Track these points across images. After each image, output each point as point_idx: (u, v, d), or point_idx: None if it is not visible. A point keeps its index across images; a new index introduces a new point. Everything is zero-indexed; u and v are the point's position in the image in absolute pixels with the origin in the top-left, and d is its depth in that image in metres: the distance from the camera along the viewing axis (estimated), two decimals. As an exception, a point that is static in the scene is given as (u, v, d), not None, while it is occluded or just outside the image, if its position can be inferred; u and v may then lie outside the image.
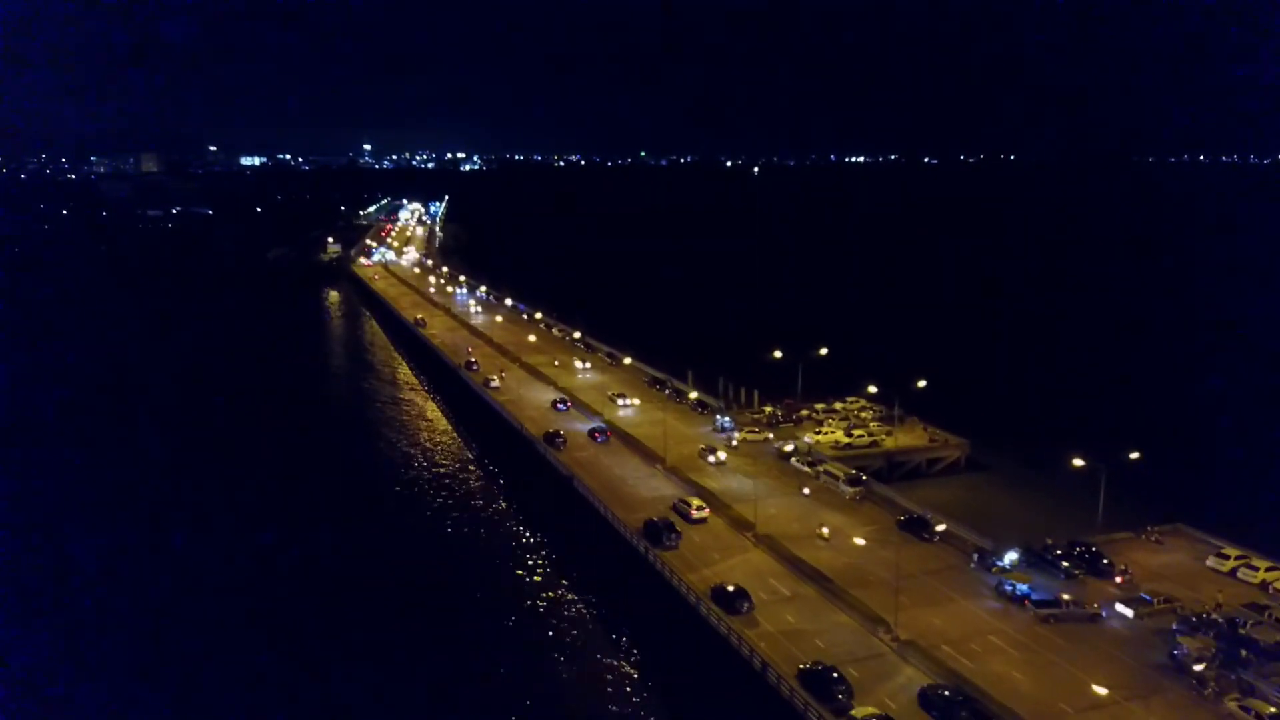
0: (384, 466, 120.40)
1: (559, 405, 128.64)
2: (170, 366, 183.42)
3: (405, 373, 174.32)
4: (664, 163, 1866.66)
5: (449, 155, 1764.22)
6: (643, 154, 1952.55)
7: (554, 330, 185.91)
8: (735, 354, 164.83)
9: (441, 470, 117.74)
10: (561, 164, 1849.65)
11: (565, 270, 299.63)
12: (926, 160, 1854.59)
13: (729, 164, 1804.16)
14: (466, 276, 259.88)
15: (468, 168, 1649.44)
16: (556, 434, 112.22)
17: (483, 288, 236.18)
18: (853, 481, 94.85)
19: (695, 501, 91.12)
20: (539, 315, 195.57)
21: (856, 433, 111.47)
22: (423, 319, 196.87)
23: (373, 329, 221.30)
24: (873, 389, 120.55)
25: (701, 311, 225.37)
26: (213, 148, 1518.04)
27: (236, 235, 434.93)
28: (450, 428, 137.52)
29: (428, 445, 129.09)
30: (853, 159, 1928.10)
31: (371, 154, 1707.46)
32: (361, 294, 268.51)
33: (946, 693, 59.09)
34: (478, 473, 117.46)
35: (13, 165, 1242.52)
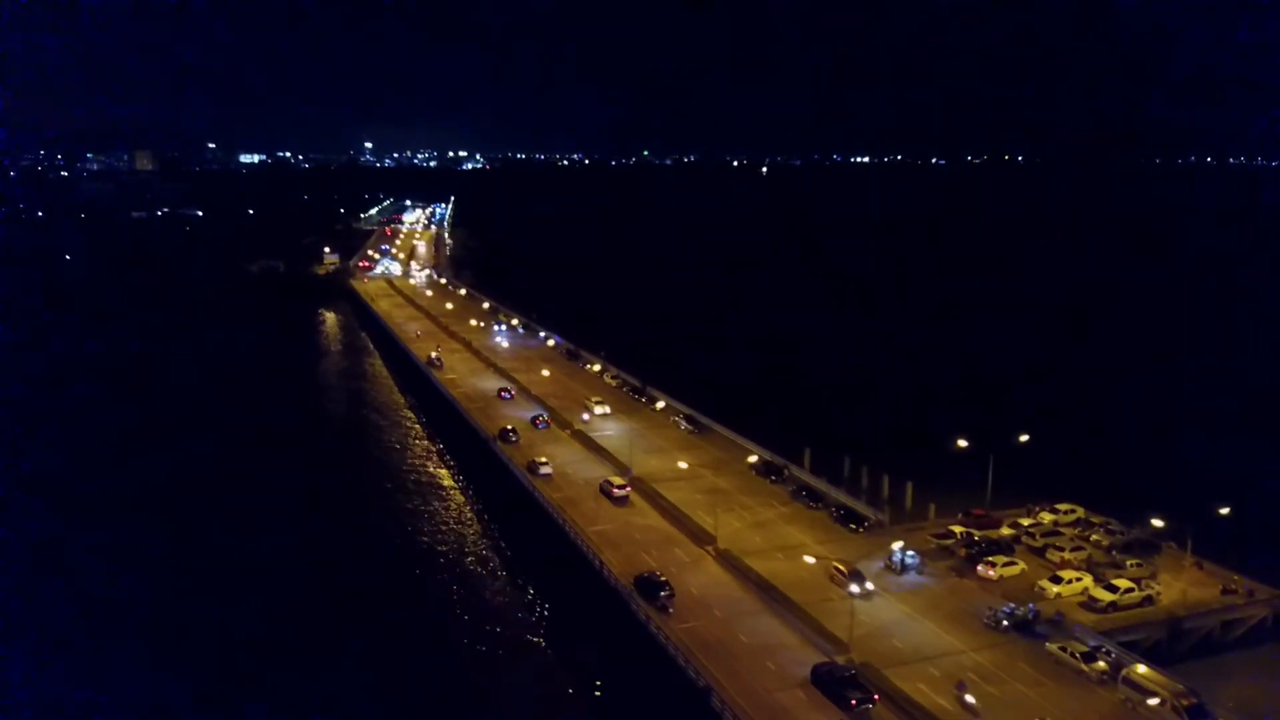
0: (378, 604, 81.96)
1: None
2: (88, 420, 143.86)
3: (417, 437, 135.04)
4: (668, 162, 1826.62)
5: (450, 154, 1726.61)
6: (645, 153, 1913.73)
7: (607, 377, 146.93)
8: (862, 420, 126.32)
9: (474, 626, 79.15)
10: (565, 163, 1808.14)
11: (604, 290, 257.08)
12: (934, 161, 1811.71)
13: (735, 164, 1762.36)
14: (493, 302, 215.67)
15: (470, 166, 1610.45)
16: (656, 579, 73.66)
17: (516, 319, 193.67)
18: (1196, 713, 56.19)
19: (618, 480, 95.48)
20: (598, 368, 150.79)
21: (1120, 583, 72.79)
22: (438, 358, 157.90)
23: (375, 368, 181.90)
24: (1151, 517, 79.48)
25: (801, 353, 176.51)
26: (211, 145, 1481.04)
27: (224, 241, 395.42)
28: (486, 540, 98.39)
29: (448, 574, 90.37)
30: (857, 159, 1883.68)
31: (372, 152, 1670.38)
32: (362, 317, 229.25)
33: (834, 670, 60.47)
34: (536, 629, 78.74)
35: (7, 162, 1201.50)
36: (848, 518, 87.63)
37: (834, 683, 59.36)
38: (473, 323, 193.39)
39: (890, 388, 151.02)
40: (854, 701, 57.78)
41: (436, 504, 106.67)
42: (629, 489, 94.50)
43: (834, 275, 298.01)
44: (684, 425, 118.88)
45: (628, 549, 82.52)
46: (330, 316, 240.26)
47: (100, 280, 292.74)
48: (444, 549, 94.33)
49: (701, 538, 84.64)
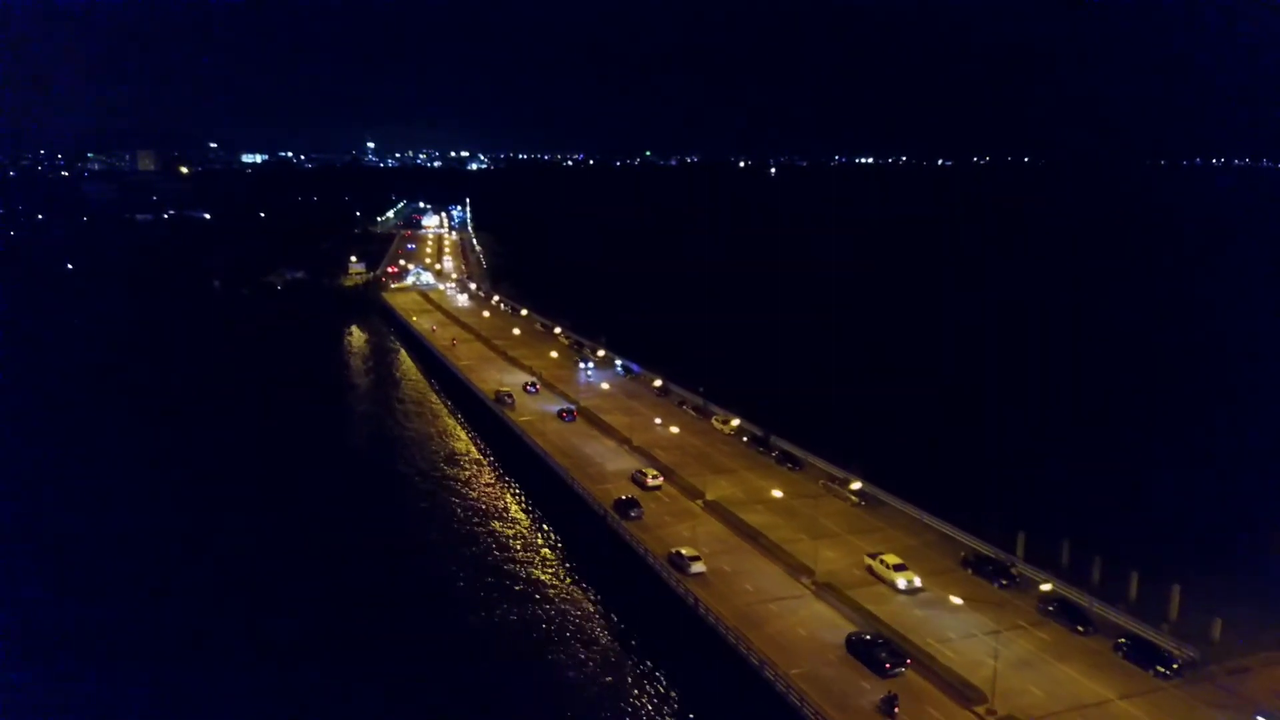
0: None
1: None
2: (98, 467, 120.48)
3: (495, 496, 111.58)
4: (673, 162, 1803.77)
5: (453, 154, 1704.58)
6: (648, 153, 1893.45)
7: (715, 421, 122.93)
8: (1073, 487, 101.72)
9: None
10: (569, 163, 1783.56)
11: (667, 305, 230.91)
12: (941, 162, 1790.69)
13: (740, 164, 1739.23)
14: (565, 329, 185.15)
15: (474, 166, 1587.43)
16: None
17: (602, 350, 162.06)
18: None
19: (650, 471, 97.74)
20: (733, 421, 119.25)
21: None
22: (509, 395, 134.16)
23: (423, 398, 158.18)
24: None
25: (965, 391, 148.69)
26: (213, 144, 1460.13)
27: (237, 246, 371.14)
28: (628, 669, 74.88)
29: None
30: (860, 160, 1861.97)
31: (375, 152, 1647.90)
32: (402, 336, 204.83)
33: (868, 637, 63.89)
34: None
35: (7, 162, 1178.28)
36: (1144, 655, 64.20)
37: (867, 648, 62.97)
38: (553, 355, 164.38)
39: (1107, 443, 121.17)
40: (888, 664, 61.12)
41: (540, 601, 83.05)
42: (661, 478, 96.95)
43: (941, 286, 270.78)
44: (852, 497, 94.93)
45: (840, 689, 59.30)
46: (358, 333, 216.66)
47: (105, 291, 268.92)
48: (574, 688, 70.88)
49: (959, 691, 61.12)
